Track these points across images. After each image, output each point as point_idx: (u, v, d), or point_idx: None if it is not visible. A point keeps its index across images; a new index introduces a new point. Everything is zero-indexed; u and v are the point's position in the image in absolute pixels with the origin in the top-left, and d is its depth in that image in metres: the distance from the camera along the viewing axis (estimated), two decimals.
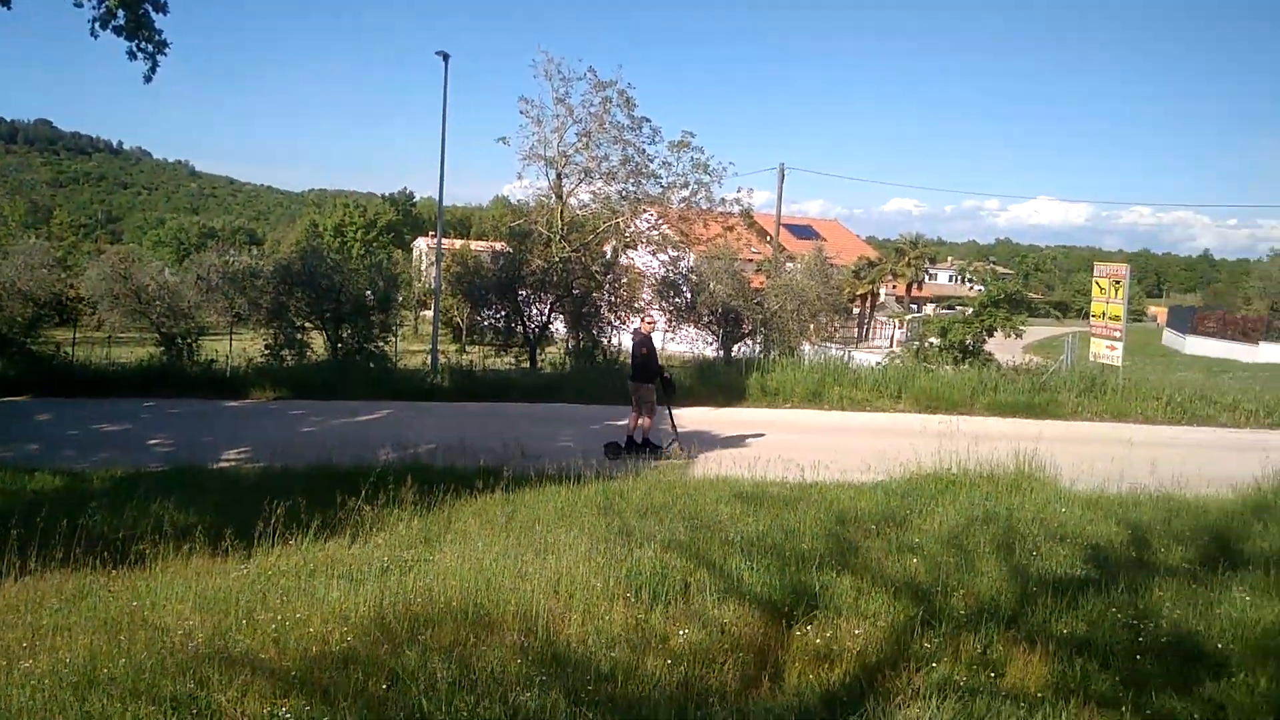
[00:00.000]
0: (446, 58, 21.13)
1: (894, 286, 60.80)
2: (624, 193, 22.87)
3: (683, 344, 22.48)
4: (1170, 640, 4.57)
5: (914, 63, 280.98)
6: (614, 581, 5.01)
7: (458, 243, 47.45)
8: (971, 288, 20.37)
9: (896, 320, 41.04)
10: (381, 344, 19.07)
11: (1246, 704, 3.90)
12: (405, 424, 13.27)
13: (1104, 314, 16.73)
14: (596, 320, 20.90)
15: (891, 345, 34.48)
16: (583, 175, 22.93)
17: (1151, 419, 15.17)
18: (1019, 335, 20.05)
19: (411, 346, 32.17)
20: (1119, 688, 3.98)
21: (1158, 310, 78.32)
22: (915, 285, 59.13)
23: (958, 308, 20.85)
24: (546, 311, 20.80)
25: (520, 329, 20.64)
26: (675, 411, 11.94)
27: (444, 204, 24.79)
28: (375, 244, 75.78)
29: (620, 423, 13.92)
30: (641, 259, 24.00)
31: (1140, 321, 70.43)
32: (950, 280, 70.56)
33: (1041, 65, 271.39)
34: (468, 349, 30.13)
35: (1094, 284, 17.20)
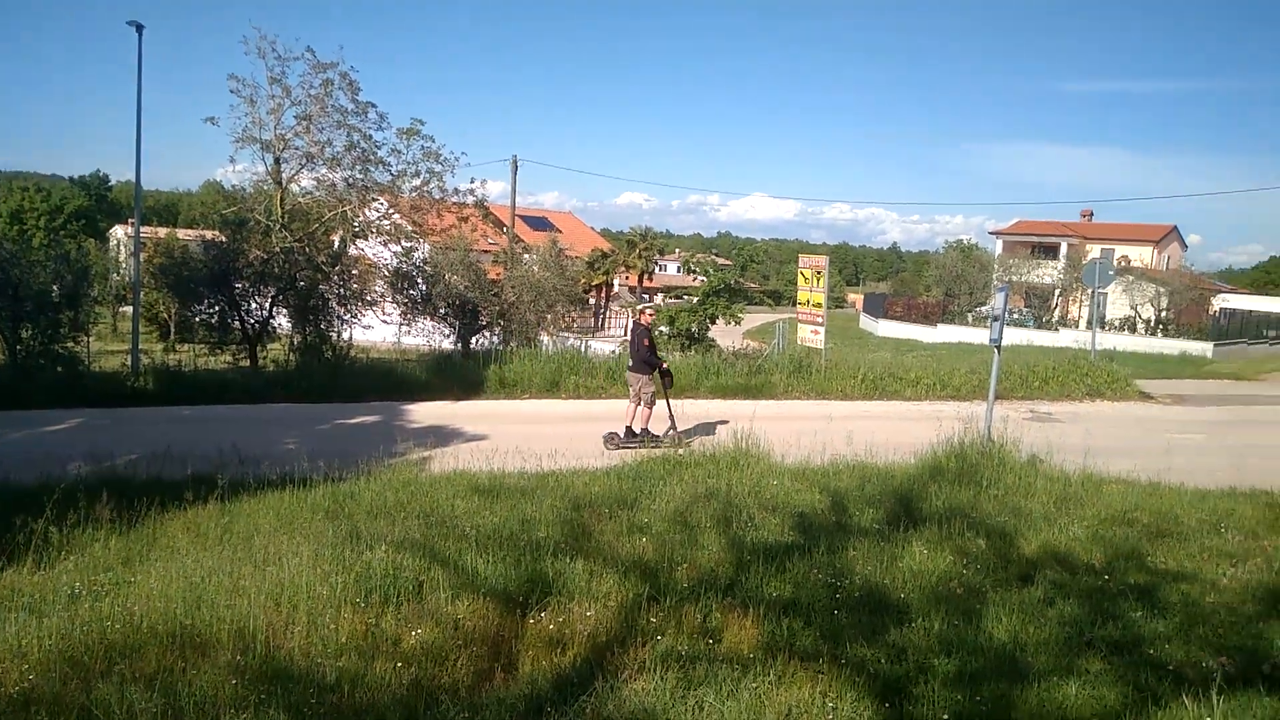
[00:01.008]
0: (140, 28, 19.09)
1: (627, 277, 62.84)
2: (351, 180, 21.86)
3: (418, 337, 21.95)
4: (862, 594, 5.14)
5: (641, 63, 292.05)
6: (342, 587, 4.83)
7: (162, 231, 42.97)
8: (695, 278, 21.51)
9: (630, 310, 42.57)
10: (71, 345, 16.93)
11: (923, 644, 4.47)
12: (101, 433, 11.87)
13: (808, 302, 18.33)
14: (324, 314, 19.86)
15: (625, 334, 35.71)
16: (304, 161, 21.66)
17: (850, 395, 16.88)
18: (738, 322, 21.54)
19: (110, 346, 28.87)
20: (819, 641, 4.43)
21: (855, 297, 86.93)
22: (647, 276, 61.45)
23: (685, 297, 21.97)
24: (267, 306, 19.45)
25: (238, 325, 19.16)
26: (415, 407, 11.64)
27: (144, 188, 22.46)
28: (62, 233, 66.87)
29: (352, 421, 13.37)
30: (373, 250, 23.10)
31: (841, 308, 77.87)
32: (679, 271, 74.24)
33: (751, 70, 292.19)
34: (177, 348, 27.53)
35: (799, 274, 18.80)
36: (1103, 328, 38.92)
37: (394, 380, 16.74)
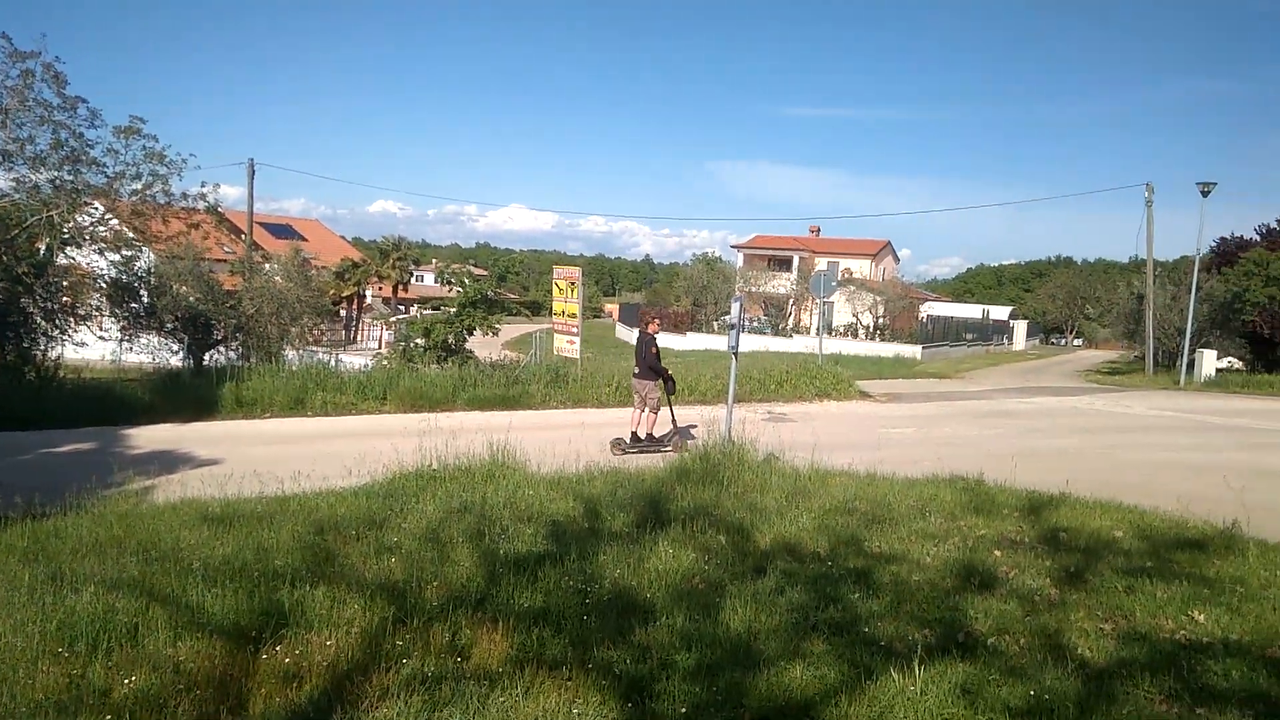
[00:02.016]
0: None
1: (380, 288, 60.73)
2: (58, 182, 19.41)
3: (143, 354, 19.96)
4: (611, 597, 5.27)
5: (393, 67, 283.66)
6: (40, 636, 4.30)
7: None
8: (452, 289, 21.14)
9: (383, 322, 41.10)
10: None
11: (666, 641, 4.66)
12: None
13: (563, 312, 18.59)
14: (27, 331, 17.55)
15: (380, 347, 34.46)
16: (0, 159, 19.01)
17: (605, 403, 17.30)
18: (496, 333, 21.35)
19: None
20: (569, 648, 4.49)
21: (612, 307, 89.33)
22: (401, 287, 59.72)
23: (442, 308, 21.52)
24: None
25: None
26: (136, 431, 10.55)
27: None
28: None
29: (61, 449, 11.91)
30: (87, 259, 20.68)
31: (599, 318, 79.72)
32: (436, 282, 72.66)
33: (507, 83, 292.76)
34: None
35: (554, 285, 19.03)
36: (830, 334, 42.54)
37: (112, 402, 15.07)
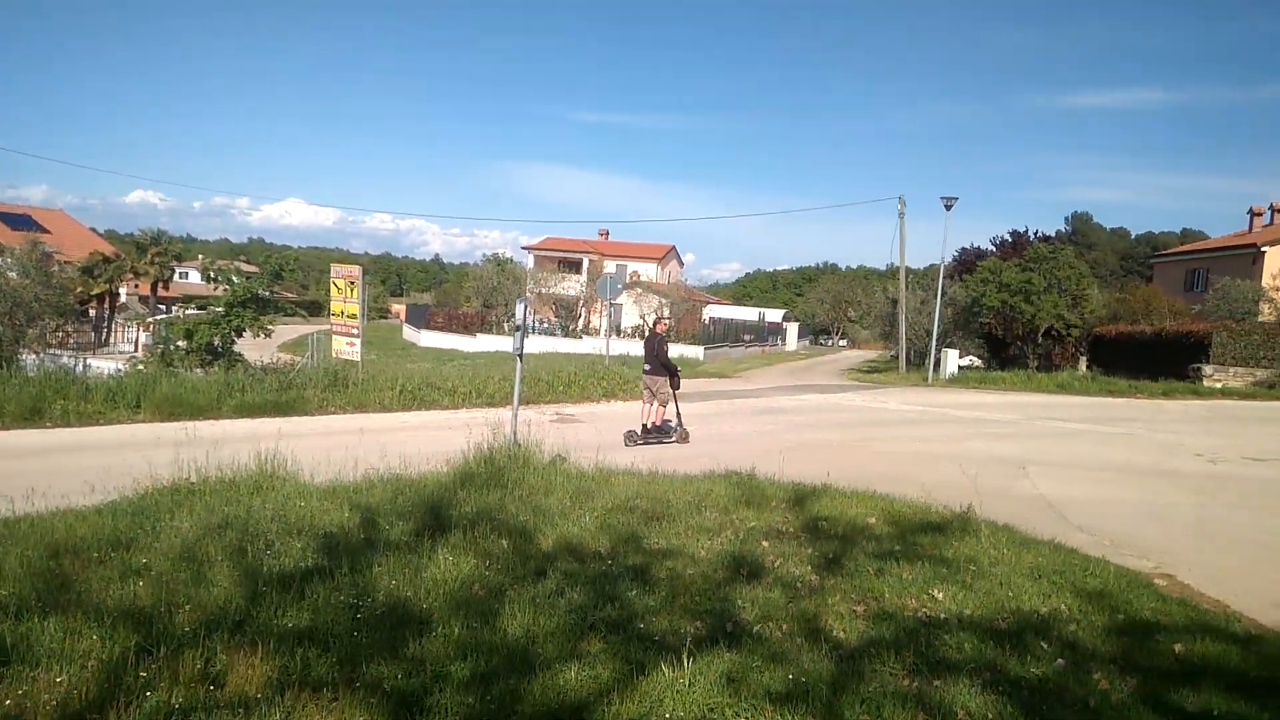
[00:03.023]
0: None
1: (137, 285, 55.70)
2: None
3: None
4: (385, 610, 5.09)
5: (151, 45, 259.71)
6: None
7: None
8: (218, 287, 19.72)
9: (139, 323, 37.62)
10: None
11: (442, 652, 4.56)
12: None
13: (342, 313, 17.82)
14: None
15: (137, 350, 31.56)
16: None
17: (388, 407, 16.74)
18: (269, 335, 20.13)
19: None
20: (337, 667, 4.29)
21: (399, 308, 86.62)
22: (162, 284, 55.07)
23: (209, 308, 19.98)
24: None
25: None
26: None
27: None
28: None
29: None
30: None
31: (386, 318, 77.05)
32: (203, 280, 67.43)
33: (283, 71, 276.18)
34: None
35: (332, 284, 18.20)
36: (618, 335, 43.37)
37: None
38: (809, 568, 6.36)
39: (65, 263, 32.55)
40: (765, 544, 6.93)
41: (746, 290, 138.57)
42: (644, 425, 13.68)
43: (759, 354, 55.88)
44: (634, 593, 5.57)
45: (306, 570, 5.68)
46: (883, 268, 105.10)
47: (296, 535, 6.67)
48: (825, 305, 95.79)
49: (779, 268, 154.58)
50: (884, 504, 8.63)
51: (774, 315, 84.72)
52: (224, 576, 5.57)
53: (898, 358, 39.79)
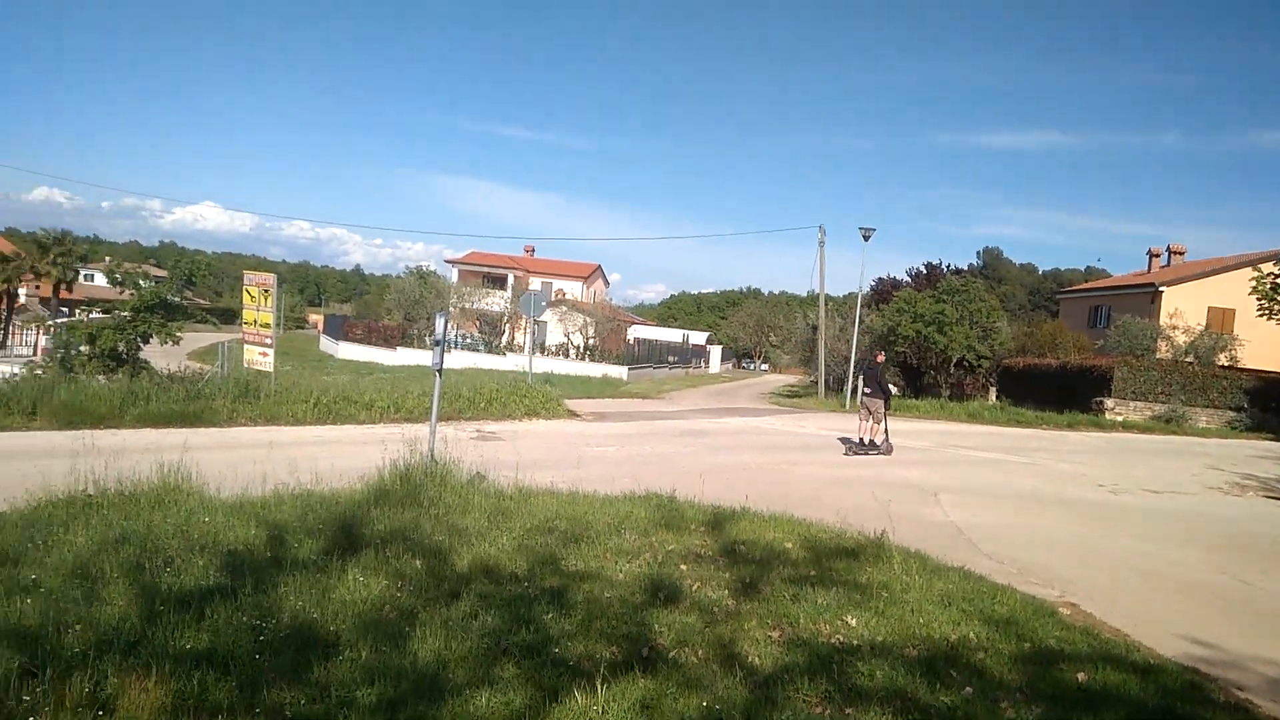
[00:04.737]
0: None
1: (38, 286, 53.18)
2: None
3: None
4: (291, 632, 4.91)
5: (58, 35, 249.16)
6: None
7: None
8: (124, 291, 18.93)
9: (39, 325, 35.81)
10: None
11: (348, 677, 4.41)
12: None
13: (255, 321, 17.30)
14: None
15: (36, 354, 30.03)
16: None
17: (301, 420, 16.27)
18: (177, 342, 19.38)
19: None
20: (236, 692, 4.11)
21: (317, 318, 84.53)
22: (65, 286, 52.66)
23: (114, 312, 19.14)
24: None
25: None
26: None
27: None
28: None
29: None
30: None
31: (303, 329, 75.10)
32: (109, 283, 64.79)
33: (198, 70, 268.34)
34: None
35: (245, 292, 17.66)
36: (542, 353, 43.16)
37: None
38: (726, 592, 6.38)
39: None
40: (684, 567, 6.93)
41: (671, 312, 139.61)
42: (860, 439, 17.37)
43: (683, 376, 56.26)
44: (550, 616, 5.50)
45: (208, 589, 5.44)
46: (804, 294, 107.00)
47: (199, 552, 6.40)
48: (748, 329, 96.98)
49: (703, 290, 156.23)
50: (801, 528, 8.73)
51: (698, 338, 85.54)
52: (119, 595, 5.31)
53: (817, 383, 40.53)
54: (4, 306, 44.50)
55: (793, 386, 52.06)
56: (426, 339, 47.99)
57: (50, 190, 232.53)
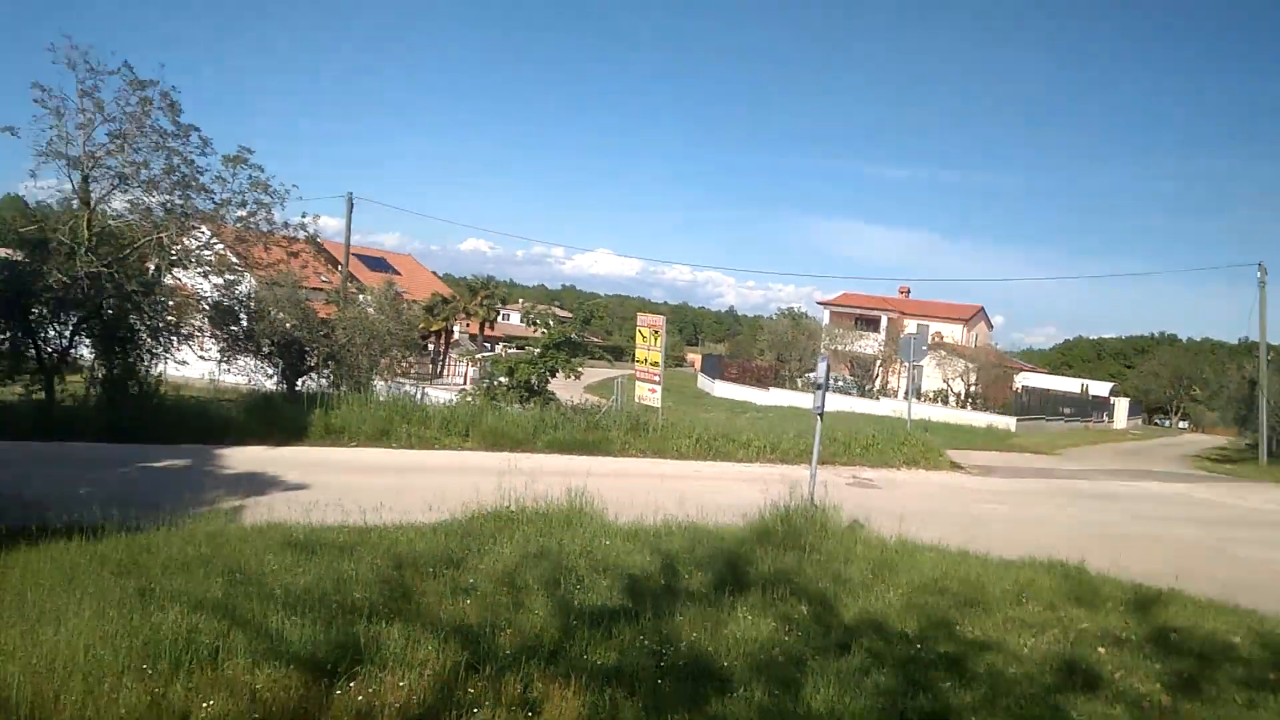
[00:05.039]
0: None
1: (468, 324, 62.03)
2: (169, 206, 20.37)
3: (239, 375, 20.67)
4: (687, 662, 5.08)
5: (490, 111, 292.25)
6: (127, 652, 4.35)
7: None
8: (536, 330, 21.42)
9: (469, 359, 41.84)
10: None
11: (744, 715, 4.44)
12: None
13: (646, 360, 18.58)
14: (134, 346, 18.33)
15: (465, 383, 35.07)
16: (117, 181, 20.01)
17: (684, 455, 17.11)
18: (578, 376, 21.47)
19: None
20: (643, 713, 4.32)
21: (694, 357, 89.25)
22: (488, 324, 60.85)
23: (526, 348, 21.79)
24: (68, 334, 17.76)
25: (33, 353, 17.37)
26: (230, 451, 10.84)
27: None
28: None
29: (158, 464, 12.33)
30: (192, 280, 21.61)
31: (681, 367, 79.65)
32: (521, 322, 73.99)
33: (598, 130, 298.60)
34: None
35: (638, 332, 19.06)
36: (919, 398, 41.46)
37: (208, 421, 15.66)
38: (1158, 685, 5.51)
39: (412, 301, 37.05)
40: (1101, 650, 6.12)
41: (1065, 358, 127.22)
42: None
43: (1081, 430, 50.82)
44: (949, 684, 5.13)
45: (613, 610, 5.83)
46: (1234, 340, 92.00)
47: (602, 573, 6.91)
48: (1161, 380, 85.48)
49: (1103, 335, 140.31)
50: (1251, 620, 7.35)
51: (1099, 388, 76.77)
52: (539, 605, 5.87)
53: (1256, 447, 34.40)
54: (443, 341, 52.63)
55: (1222, 449, 44.68)
56: (798, 380, 48.48)
57: (477, 241, 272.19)
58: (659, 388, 18.19)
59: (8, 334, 17.26)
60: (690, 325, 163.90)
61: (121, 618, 4.82)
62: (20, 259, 18.06)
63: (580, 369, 21.23)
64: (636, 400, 19.21)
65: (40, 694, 3.90)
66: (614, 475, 13.56)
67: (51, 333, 17.61)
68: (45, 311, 17.28)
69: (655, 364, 18.37)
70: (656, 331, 18.52)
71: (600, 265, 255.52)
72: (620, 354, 62.92)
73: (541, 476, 10.56)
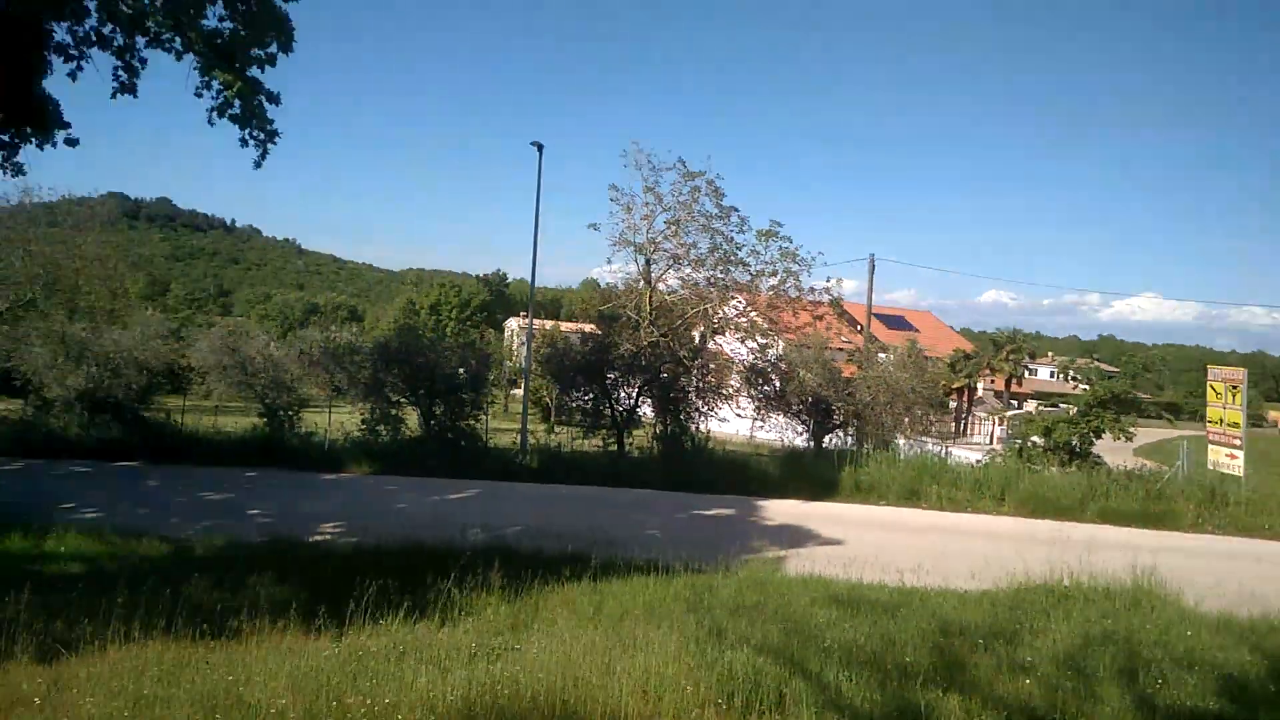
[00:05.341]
0: (540, 147, 21.90)
1: (991, 381, 59.18)
2: (712, 279, 22.97)
3: (771, 432, 22.17)
4: None
5: (1003, 159, 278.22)
6: (705, 686, 4.83)
7: (548, 323, 48.23)
8: (1075, 386, 19.57)
9: (996, 417, 39.73)
10: (472, 422, 19.30)
11: None
12: (493, 503, 13.35)
13: (1221, 420, 15.82)
14: (684, 405, 20.82)
15: (991, 443, 33.33)
16: (671, 261, 23.18)
17: (1278, 534, 14.10)
18: (1129, 438, 19.07)
19: (500, 425, 32.61)
20: None
21: (1277, 415, 73.90)
22: (1014, 381, 57.38)
23: (1061, 406, 20.01)
24: (634, 395, 20.82)
25: (608, 411, 20.69)
26: (767, 503, 11.68)
27: (535, 285, 25.38)
28: (469, 323, 78.23)
29: (708, 512, 13.69)
30: (730, 345, 23.93)
31: (1260, 427, 66.48)
32: (1052, 377, 68.32)
33: (1130, 160, 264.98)
34: (556, 429, 30.35)
35: (1209, 388, 16.34)
36: None
37: (747, 474, 17.03)
38: None
39: (933, 358, 36.43)
40: None
41: None
42: None
43: None
44: None
45: (1212, 714, 4.96)
46: None
47: (1187, 669, 5.93)
48: None
49: None
50: None
51: None
52: (1113, 697, 5.22)
53: None
54: (965, 398, 50.73)
55: None
56: None
57: (997, 293, 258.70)
58: (1240, 453, 15.34)
59: (590, 395, 20.80)
60: (1270, 378, 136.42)
61: (698, 653, 5.36)
62: (599, 333, 21.74)
63: (1131, 430, 18.88)
64: (1210, 466, 16.41)
65: (640, 713, 4.49)
66: (1186, 553, 11.67)
67: (622, 394, 20.80)
68: (617, 376, 20.50)
69: (1234, 425, 15.57)
70: (1235, 387, 15.73)
71: (1145, 311, 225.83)
72: (1178, 412, 54.61)
73: (1096, 550, 9.52)
